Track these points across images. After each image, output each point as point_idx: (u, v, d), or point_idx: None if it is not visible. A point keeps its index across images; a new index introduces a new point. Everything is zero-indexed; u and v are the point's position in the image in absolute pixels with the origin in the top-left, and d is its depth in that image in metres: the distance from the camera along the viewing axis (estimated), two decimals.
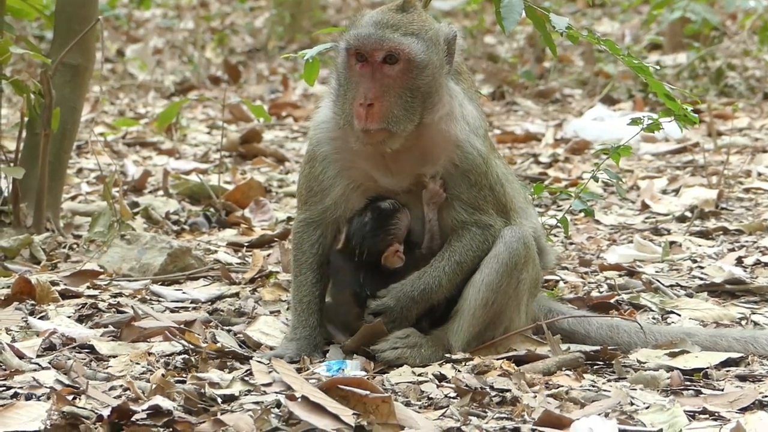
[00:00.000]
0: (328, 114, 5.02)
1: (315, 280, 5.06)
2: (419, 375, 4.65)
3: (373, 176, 4.96)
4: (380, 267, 4.94)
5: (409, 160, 4.91)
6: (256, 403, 4.24)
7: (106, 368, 4.71)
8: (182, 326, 5.14)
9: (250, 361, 4.73)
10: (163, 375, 4.43)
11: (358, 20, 4.92)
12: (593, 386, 4.58)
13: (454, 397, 4.39)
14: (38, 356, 4.82)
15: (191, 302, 5.74)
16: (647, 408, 4.30)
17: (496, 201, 5.01)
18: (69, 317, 5.38)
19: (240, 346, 5.05)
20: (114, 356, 4.85)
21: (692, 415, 4.24)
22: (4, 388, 4.41)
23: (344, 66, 4.88)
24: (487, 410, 4.26)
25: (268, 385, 4.45)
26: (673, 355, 4.91)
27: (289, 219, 7.35)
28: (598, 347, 5.00)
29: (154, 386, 4.31)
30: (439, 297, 4.93)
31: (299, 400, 4.08)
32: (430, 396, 4.42)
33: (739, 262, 6.52)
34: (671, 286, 6.04)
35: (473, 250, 4.94)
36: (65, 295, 5.74)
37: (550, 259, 5.46)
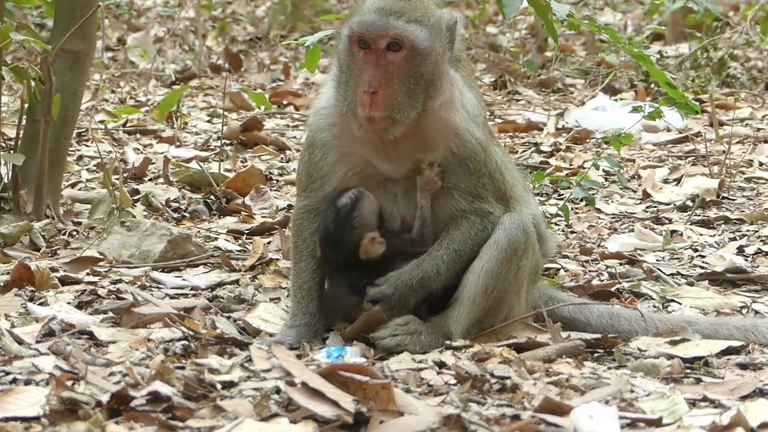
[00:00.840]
0: (328, 100, 5.00)
1: (315, 266, 5.05)
2: (419, 362, 4.64)
3: (373, 162, 4.94)
4: (365, 261, 4.90)
5: (408, 146, 4.89)
6: (256, 389, 4.22)
7: (106, 354, 4.70)
8: (182, 313, 5.13)
9: (250, 347, 4.71)
10: (162, 361, 4.41)
11: (360, 6, 4.88)
12: (593, 374, 4.57)
13: (454, 384, 4.38)
14: (37, 342, 4.81)
15: (191, 289, 5.74)
16: (647, 395, 4.29)
17: (496, 189, 4.98)
18: (68, 303, 5.37)
19: (240, 333, 5.03)
20: (113, 342, 4.84)
21: (692, 403, 4.23)
22: (3, 373, 4.40)
23: (346, 53, 4.85)
24: (487, 397, 4.25)
25: (268, 371, 4.43)
26: (673, 343, 4.90)
27: (290, 207, 7.34)
28: (598, 335, 4.99)
29: (153, 372, 4.30)
30: (437, 285, 4.91)
31: (299, 386, 4.06)
32: (430, 383, 4.41)
33: (740, 251, 6.52)
34: (672, 274, 6.03)
35: (472, 238, 4.92)
36: (65, 281, 5.74)
37: (551, 247, 5.44)
